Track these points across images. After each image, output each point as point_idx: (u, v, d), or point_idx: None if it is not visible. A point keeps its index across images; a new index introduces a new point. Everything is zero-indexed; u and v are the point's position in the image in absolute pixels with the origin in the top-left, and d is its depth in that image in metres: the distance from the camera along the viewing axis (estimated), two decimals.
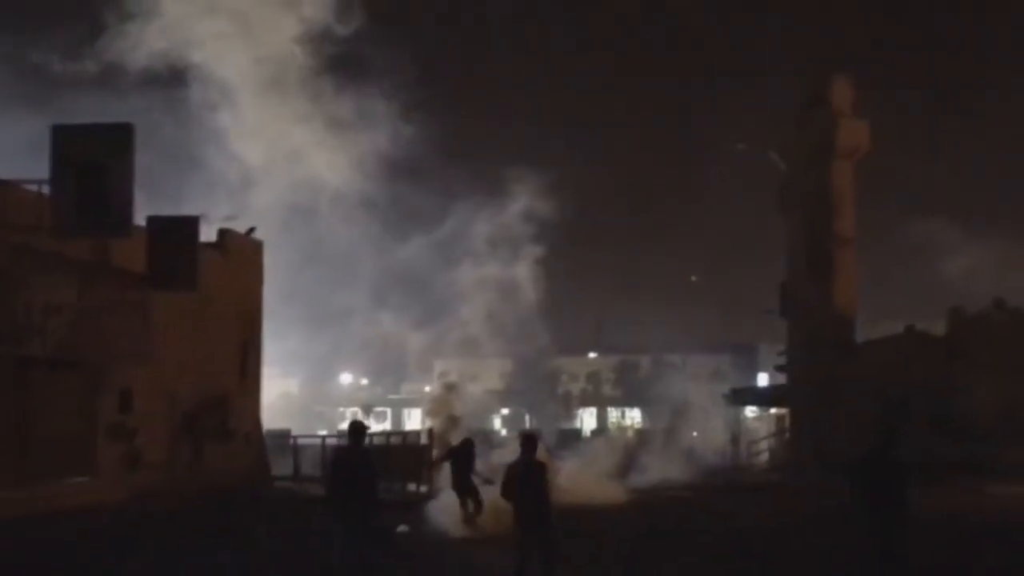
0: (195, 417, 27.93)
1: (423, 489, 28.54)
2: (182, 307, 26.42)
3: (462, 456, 23.22)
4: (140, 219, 23.16)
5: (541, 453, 15.28)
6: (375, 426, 75.26)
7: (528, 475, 13.45)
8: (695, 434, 61.70)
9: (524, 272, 35.87)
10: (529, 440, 13.89)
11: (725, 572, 17.60)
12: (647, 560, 18.28)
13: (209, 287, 27.32)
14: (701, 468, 44.34)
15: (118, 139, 20.00)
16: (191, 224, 24.72)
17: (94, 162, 19.86)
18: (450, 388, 36.43)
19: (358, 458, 14.37)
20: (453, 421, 34.18)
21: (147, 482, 24.98)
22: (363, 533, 13.99)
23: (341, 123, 33.96)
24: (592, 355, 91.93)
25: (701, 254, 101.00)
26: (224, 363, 30.09)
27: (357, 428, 14.73)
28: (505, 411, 79.13)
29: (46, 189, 20.15)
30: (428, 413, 37.60)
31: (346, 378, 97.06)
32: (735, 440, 52.93)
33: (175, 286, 24.24)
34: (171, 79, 32.38)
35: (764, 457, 50.53)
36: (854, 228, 44.61)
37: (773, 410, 53.77)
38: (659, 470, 37.19)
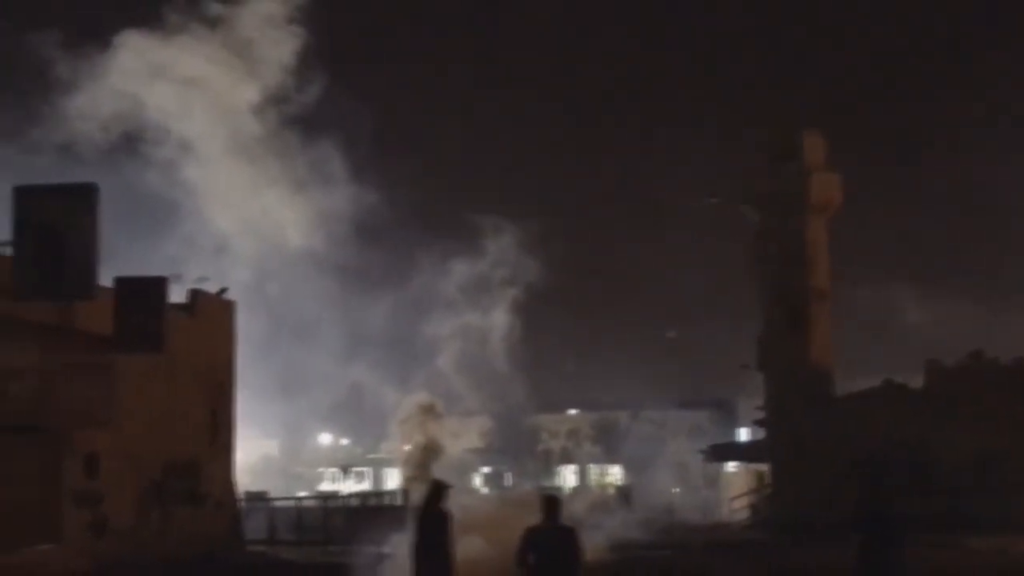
0: (163, 482, 27.47)
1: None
2: (150, 369, 26.08)
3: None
4: (108, 280, 22.94)
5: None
6: (354, 486, 74.67)
7: (552, 543, 12.30)
8: (675, 490, 61.38)
9: (501, 323, 35.47)
10: (552, 503, 12.58)
11: None
12: None
13: (178, 349, 26.97)
14: (680, 525, 44.01)
15: (80, 200, 19.73)
16: (159, 285, 24.44)
17: (56, 223, 19.57)
18: (427, 410, 34.86)
19: (440, 519, 14.36)
20: (432, 448, 32.96)
21: (114, 549, 24.52)
22: None
23: (307, 183, 33.81)
24: (572, 412, 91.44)
25: (678, 309, 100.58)
26: (194, 426, 29.65)
27: (439, 487, 14.74)
28: (486, 469, 78.53)
29: (7, 251, 19.84)
30: (401, 437, 35.70)
31: (326, 438, 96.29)
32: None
33: (142, 348, 23.89)
34: (133, 144, 32.24)
35: (744, 514, 50.12)
36: (828, 282, 44.53)
37: (753, 466, 53.39)
38: (635, 527, 36.74)
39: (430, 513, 14.65)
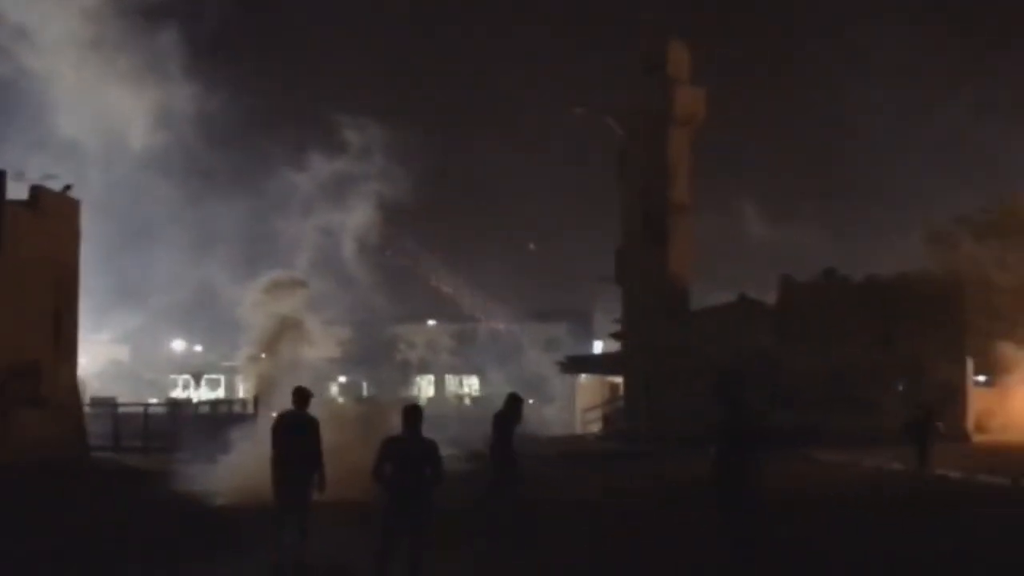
0: (2, 384, 26.40)
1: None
2: None
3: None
4: None
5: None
6: (207, 394, 73.58)
7: (411, 454, 12.02)
8: (531, 401, 61.64)
9: (359, 228, 34.35)
10: (413, 413, 12.22)
11: (578, 549, 16.67)
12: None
13: (19, 246, 25.91)
14: (534, 436, 44.11)
15: None
16: None
17: None
18: (287, 284, 32.23)
19: (305, 425, 14.01)
20: (290, 323, 31.22)
21: None
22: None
23: (153, 79, 32.25)
24: (430, 322, 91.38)
25: (537, 221, 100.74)
26: (36, 327, 28.52)
27: (301, 393, 14.25)
28: (343, 379, 78.16)
29: None
30: (256, 318, 32.84)
31: (179, 345, 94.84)
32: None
33: None
34: None
35: (597, 426, 50.52)
36: (690, 196, 44.68)
37: (608, 378, 53.82)
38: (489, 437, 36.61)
39: (294, 419, 14.13)
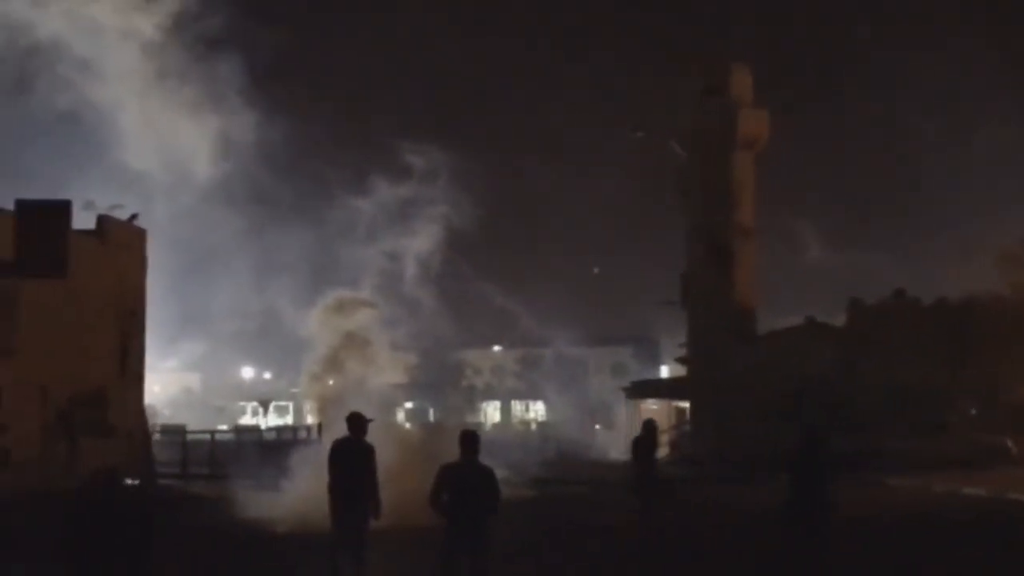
0: (70, 412, 26.63)
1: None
2: (55, 296, 25.20)
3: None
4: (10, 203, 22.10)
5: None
6: (275, 420, 74.01)
7: (468, 481, 11.92)
8: (597, 427, 61.42)
9: (425, 255, 34.15)
10: (470, 439, 12.12)
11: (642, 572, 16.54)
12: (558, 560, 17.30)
13: (86, 275, 26.16)
14: (601, 462, 43.95)
15: None
16: (63, 208, 23.63)
17: None
18: (352, 303, 31.55)
19: (361, 454, 13.91)
20: (357, 339, 30.55)
21: (17, 481, 23.75)
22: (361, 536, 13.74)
23: (216, 110, 32.38)
24: (496, 348, 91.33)
25: (602, 245, 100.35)
26: (103, 355, 28.78)
27: (357, 420, 14.12)
28: (409, 404, 78.19)
29: None
30: (321, 335, 32.08)
31: (248, 372, 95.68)
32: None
33: (45, 273, 23.11)
34: (30, 73, 30.49)
35: (663, 451, 50.12)
36: (754, 219, 44.34)
37: (675, 403, 53.43)
38: (555, 463, 36.55)
39: (349, 447, 14.07)
